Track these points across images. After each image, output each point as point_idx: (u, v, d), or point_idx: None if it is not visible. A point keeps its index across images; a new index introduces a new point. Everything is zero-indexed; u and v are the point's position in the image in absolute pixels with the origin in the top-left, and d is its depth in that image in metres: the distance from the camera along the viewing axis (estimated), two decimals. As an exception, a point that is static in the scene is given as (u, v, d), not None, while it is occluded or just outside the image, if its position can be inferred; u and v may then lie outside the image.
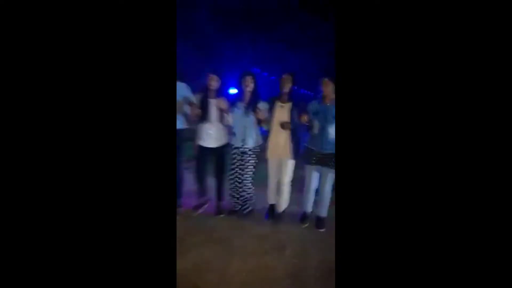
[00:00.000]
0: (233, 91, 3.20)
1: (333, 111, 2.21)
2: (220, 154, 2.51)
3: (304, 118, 2.23)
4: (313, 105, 2.33)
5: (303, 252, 2.09)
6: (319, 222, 2.47)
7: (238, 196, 2.55)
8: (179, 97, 2.31)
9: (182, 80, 2.40)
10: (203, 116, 2.36)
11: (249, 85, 2.33)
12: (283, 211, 2.57)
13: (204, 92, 2.38)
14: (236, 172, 2.49)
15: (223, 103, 2.33)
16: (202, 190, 2.59)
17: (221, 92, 2.41)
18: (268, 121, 2.36)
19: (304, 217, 2.54)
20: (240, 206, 2.57)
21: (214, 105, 2.36)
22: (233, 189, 2.55)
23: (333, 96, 2.26)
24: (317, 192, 2.47)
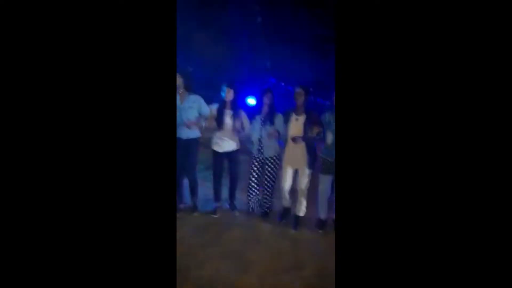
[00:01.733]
0: (251, 101, 3.32)
1: None
2: (233, 158, 2.71)
3: (315, 130, 2.36)
4: (326, 116, 2.42)
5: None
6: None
7: (257, 203, 2.76)
8: (196, 111, 2.54)
9: (198, 92, 2.61)
10: (219, 126, 2.59)
11: (268, 100, 2.56)
12: (301, 217, 2.65)
13: (220, 104, 2.60)
14: (255, 180, 2.70)
15: (239, 122, 2.60)
16: (217, 194, 2.79)
17: (236, 103, 2.62)
18: (282, 134, 2.54)
19: (320, 224, 2.60)
20: (258, 208, 2.76)
21: (230, 117, 2.59)
22: (252, 197, 2.76)
23: None
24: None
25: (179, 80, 2.46)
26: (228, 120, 2.59)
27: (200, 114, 2.58)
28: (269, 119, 2.54)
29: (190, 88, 2.56)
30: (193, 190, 2.75)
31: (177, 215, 2.59)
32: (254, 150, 2.65)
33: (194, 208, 2.75)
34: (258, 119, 2.60)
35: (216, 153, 2.69)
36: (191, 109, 2.52)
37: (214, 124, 2.58)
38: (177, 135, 2.52)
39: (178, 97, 2.50)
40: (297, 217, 2.64)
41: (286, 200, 2.74)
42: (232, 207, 2.85)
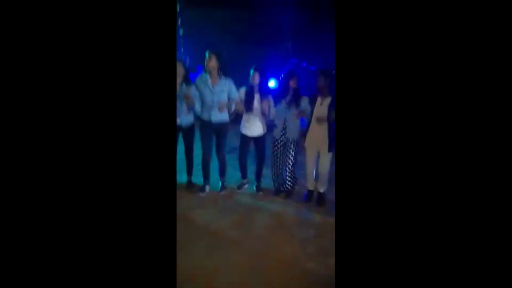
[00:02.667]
0: (271, 83, 3.35)
1: None
2: (260, 142, 2.83)
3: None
4: None
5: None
6: None
7: (280, 182, 2.90)
8: (226, 94, 2.60)
9: (227, 75, 2.64)
10: (247, 109, 2.67)
11: (294, 84, 2.60)
12: (324, 194, 2.76)
13: (248, 87, 2.67)
14: (278, 161, 2.81)
15: (267, 105, 2.63)
16: (243, 172, 2.98)
17: (263, 85, 2.66)
18: (308, 114, 2.58)
19: None
20: (282, 187, 2.90)
21: (257, 101, 2.65)
22: (276, 177, 2.88)
23: None
24: None
25: (215, 63, 2.49)
26: (256, 103, 2.67)
27: (229, 98, 2.64)
28: (295, 103, 2.59)
29: (224, 72, 2.58)
30: (222, 171, 2.89)
31: (203, 194, 2.81)
32: (278, 133, 2.72)
33: (222, 188, 2.91)
34: (283, 103, 2.64)
35: (244, 136, 2.82)
36: (222, 93, 2.58)
37: (242, 107, 2.66)
38: (208, 118, 2.63)
39: (210, 80, 2.56)
40: (320, 194, 2.76)
41: (310, 182, 2.83)
42: (258, 188, 2.98)
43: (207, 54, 2.50)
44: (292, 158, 2.75)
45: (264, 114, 2.68)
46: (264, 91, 2.66)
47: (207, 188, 2.87)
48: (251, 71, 2.61)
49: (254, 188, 2.98)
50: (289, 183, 2.87)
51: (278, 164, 2.83)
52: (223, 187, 2.92)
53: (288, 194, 2.88)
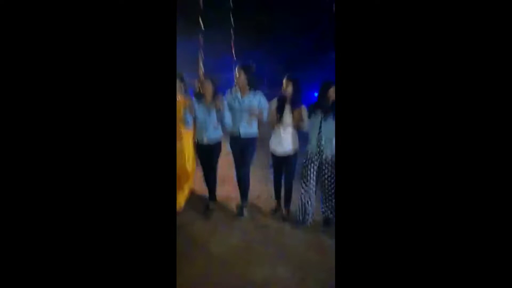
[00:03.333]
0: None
1: None
2: (290, 162, 2.52)
3: None
4: None
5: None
6: None
7: (311, 205, 2.48)
8: (256, 107, 2.43)
9: (259, 88, 2.52)
10: (278, 121, 2.43)
11: (332, 94, 2.26)
12: None
13: (279, 98, 2.42)
14: (313, 183, 2.42)
15: (299, 115, 2.37)
16: (277, 195, 2.72)
17: (299, 98, 2.40)
18: None
19: None
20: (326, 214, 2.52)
21: (289, 112, 2.40)
22: (308, 198, 2.46)
23: None
24: None
25: (243, 78, 2.40)
26: (287, 115, 2.41)
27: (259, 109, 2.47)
28: (333, 115, 2.23)
29: (253, 84, 2.46)
30: (243, 192, 2.67)
31: (241, 217, 2.62)
32: (313, 149, 2.36)
33: (241, 212, 2.64)
34: (319, 114, 2.30)
35: (274, 156, 2.57)
36: (251, 104, 2.43)
37: (275, 118, 2.43)
38: (236, 132, 2.50)
39: (239, 93, 2.46)
40: None
41: None
42: (287, 207, 2.65)
43: (236, 69, 2.41)
44: (329, 179, 2.37)
45: (296, 126, 2.40)
46: (297, 101, 2.38)
47: (245, 211, 2.65)
48: (284, 80, 2.38)
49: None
50: (329, 210, 2.46)
51: (311, 188, 2.41)
52: (242, 210, 2.63)
53: (326, 223, 2.48)
